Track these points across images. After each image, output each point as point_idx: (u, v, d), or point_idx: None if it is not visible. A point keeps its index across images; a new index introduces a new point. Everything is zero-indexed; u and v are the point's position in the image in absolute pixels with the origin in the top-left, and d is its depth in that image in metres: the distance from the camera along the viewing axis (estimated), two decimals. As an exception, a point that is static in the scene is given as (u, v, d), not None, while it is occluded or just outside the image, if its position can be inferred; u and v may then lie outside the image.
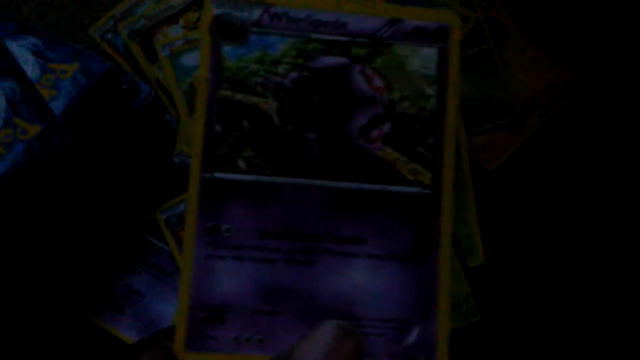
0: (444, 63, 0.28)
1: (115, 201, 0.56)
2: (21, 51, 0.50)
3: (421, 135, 0.28)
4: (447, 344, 0.29)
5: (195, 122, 0.28)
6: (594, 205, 0.57)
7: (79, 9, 0.66)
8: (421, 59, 0.28)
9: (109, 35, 0.64)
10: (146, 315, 0.54)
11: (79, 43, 0.65)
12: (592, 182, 0.58)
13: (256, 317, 0.27)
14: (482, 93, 0.60)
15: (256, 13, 0.27)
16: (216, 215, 0.27)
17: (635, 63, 0.61)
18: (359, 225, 0.28)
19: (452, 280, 0.25)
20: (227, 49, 0.27)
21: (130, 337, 0.54)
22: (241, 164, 0.27)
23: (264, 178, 0.27)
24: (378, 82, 0.28)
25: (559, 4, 0.63)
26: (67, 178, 0.50)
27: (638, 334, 0.54)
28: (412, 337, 0.28)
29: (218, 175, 0.27)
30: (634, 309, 0.54)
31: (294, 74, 0.28)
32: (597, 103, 0.60)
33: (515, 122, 0.59)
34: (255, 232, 0.27)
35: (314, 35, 0.28)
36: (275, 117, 0.28)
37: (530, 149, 0.59)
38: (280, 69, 0.28)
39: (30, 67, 0.50)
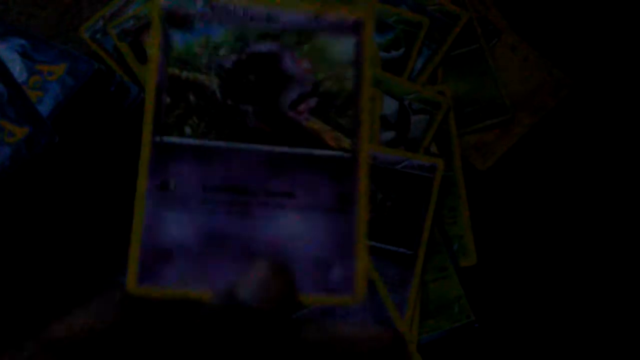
0: (360, 50, 0.33)
1: (105, 202, 0.55)
2: (8, 53, 0.50)
3: (342, 109, 0.33)
4: (365, 278, 0.32)
5: (147, 95, 0.31)
6: (587, 205, 0.57)
7: (68, 9, 0.66)
8: (341, 46, 0.33)
9: (98, 36, 0.63)
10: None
11: (69, 43, 0.64)
12: (585, 181, 0.58)
13: (200, 258, 0.30)
14: (473, 92, 0.60)
15: (200, 5, 0.32)
16: (165, 173, 0.31)
17: (627, 61, 0.60)
18: (290, 182, 0.32)
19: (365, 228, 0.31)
20: (174, 33, 0.32)
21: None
22: (187, 130, 0.32)
23: (207, 142, 0.32)
24: (305, 65, 0.33)
25: (551, 3, 0.62)
26: (56, 179, 0.49)
27: (630, 330, 0.54)
28: (335, 272, 0.32)
29: (166, 139, 0.31)
30: (626, 307, 0.54)
31: (233, 56, 0.33)
32: (589, 102, 0.60)
33: (506, 121, 0.59)
34: (200, 187, 0.31)
35: (251, 25, 0.33)
36: (217, 92, 0.32)
37: (522, 148, 0.59)
38: (221, 52, 0.33)
39: (18, 69, 0.49)
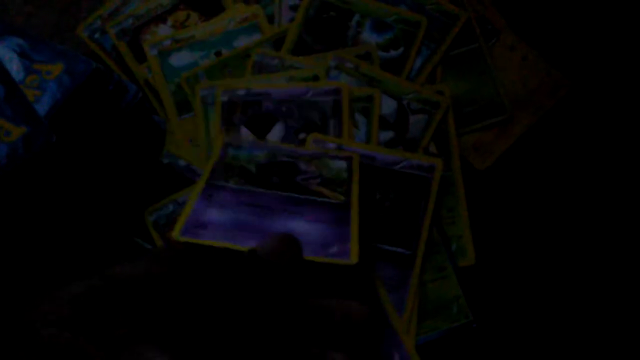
0: (350, 169, 0.52)
1: (103, 203, 0.55)
2: (6, 52, 0.50)
3: (339, 186, 0.50)
4: (357, 259, 0.43)
5: (212, 155, 0.52)
6: (586, 204, 0.57)
7: (66, 8, 0.66)
8: (338, 165, 0.52)
9: (96, 35, 0.63)
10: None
11: (67, 43, 0.64)
12: (584, 180, 0.58)
13: (228, 232, 0.43)
14: (472, 92, 0.59)
15: (247, 142, 0.53)
16: (212, 195, 0.47)
17: (626, 62, 0.60)
18: (300, 210, 0.47)
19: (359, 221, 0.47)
20: (230, 149, 0.52)
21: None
22: (231, 182, 0.49)
23: (244, 186, 0.49)
24: (313, 167, 0.52)
25: (549, 3, 0.62)
26: (53, 179, 0.49)
27: (630, 330, 0.54)
28: (332, 249, 0.44)
29: (217, 181, 0.49)
30: (625, 306, 0.54)
31: (266, 159, 0.52)
32: (587, 101, 0.60)
33: (505, 121, 0.59)
34: (234, 202, 0.46)
35: (277, 151, 0.52)
36: (253, 170, 0.51)
37: (521, 148, 0.59)
38: (259, 157, 0.52)
39: (15, 68, 0.49)
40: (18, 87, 0.48)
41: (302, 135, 0.56)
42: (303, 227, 0.45)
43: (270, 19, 0.62)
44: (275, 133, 0.57)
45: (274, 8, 0.62)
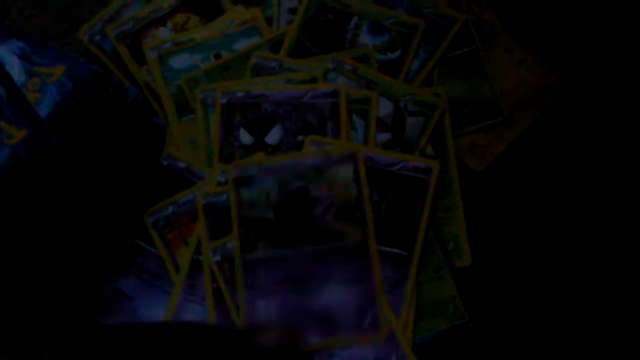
0: (356, 171, 0.53)
1: (104, 204, 0.56)
2: (7, 55, 0.50)
3: (352, 212, 0.53)
4: (387, 319, 0.50)
5: (233, 233, 0.53)
6: (582, 205, 0.57)
7: (67, 11, 0.66)
8: (344, 172, 0.53)
9: (97, 38, 0.64)
10: (135, 318, 0.55)
11: (68, 45, 0.65)
12: (580, 181, 0.58)
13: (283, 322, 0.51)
14: (468, 94, 0.60)
15: (255, 169, 0.54)
16: (251, 277, 0.52)
17: (622, 65, 0.61)
18: (328, 267, 0.52)
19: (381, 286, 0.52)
20: (242, 189, 0.54)
21: (118, 340, 0.54)
22: (260, 248, 0.52)
23: (273, 252, 0.52)
24: (324, 189, 0.53)
25: (546, 6, 0.63)
26: (54, 181, 0.50)
27: (625, 329, 0.54)
28: (367, 319, 0.50)
29: (249, 256, 0.52)
30: (620, 304, 0.55)
31: (279, 195, 0.54)
32: (583, 103, 0.60)
33: (501, 123, 0.59)
34: (273, 282, 0.51)
35: (286, 173, 0.54)
36: (273, 219, 0.53)
37: (517, 150, 0.59)
38: (272, 194, 0.54)
39: (17, 71, 0.50)
40: (19, 89, 0.48)
41: (300, 137, 0.57)
42: (336, 296, 0.51)
43: (269, 21, 0.63)
44: (274, 135, 0.57)
45: (272, 11, 0.63)
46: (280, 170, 0.54)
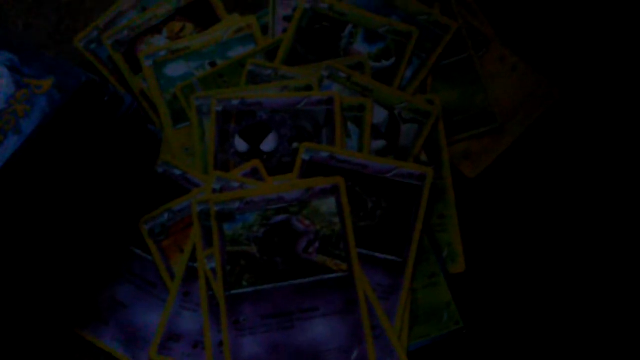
0: (339, 204, 0.54)
1: (99, 211, 0.56)
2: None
3: (336, 245, 0.53)
4: (375, 358, 0.50)
5: (216, 266, 0.53)
6: (577, 211, 0.58)
7: (63, 19, 0.67)
8: (327, 205, 0.54)
9: (93, 46, 0.64)
10: (130, 326, 0.55)
11: (64, 53, 0.65)
12: (574, 187, 0.58)
13: None
14: (462, 101, 0.60)
15: (237, 204, 0.54)
16: (236, 313, 0.52)
17: (614, 71, 0.61)
18: (313, 300, 0.52)
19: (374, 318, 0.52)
20: (225, 225, 0.54)
21: (114, 348, 0.54)
22: (244, 283, 0.53)
23: (257, 287, 0.52)
24: (307, 222, 0.54)
25: (539, 13, 0.63)
26: (48, 188, 0.50)
27: (621, 333, 0.54)
28: (354, 355, 0.51)
29: (233, 292, 0.52)
30: (615, 310, 0.55)
31: (262, 230, 0.53)
32: (576, 110, 0.60)
33: (495, 129, 0.60)
34: (259, 317, 0.51)
35: (268, 207, 0.54)
36: (257, 254, 0.53)
37: (511, 156, 0.59)
38: (254, 228, 0.54)
39: (5, 83, 0.50)
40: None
41: (295, 145, 0.57)
42: (322, 331, 0.51)
43: (265, 29, 0.63)
44: (269, 142, 0.58)
45: (268, 19, 0.63)
46: (262, 205, 0.54)
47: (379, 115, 0.58)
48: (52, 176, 0.50)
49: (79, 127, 0.51)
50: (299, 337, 0.51)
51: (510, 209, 0.58)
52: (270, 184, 0.55)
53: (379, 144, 0.58)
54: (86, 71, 0.51)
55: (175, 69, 0.62)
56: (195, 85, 0.61)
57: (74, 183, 0.52)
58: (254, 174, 0.56)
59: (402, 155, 0.57)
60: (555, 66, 0.61)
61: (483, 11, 0.63)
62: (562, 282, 0.56)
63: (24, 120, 0.48)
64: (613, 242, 0.57)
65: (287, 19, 0.63)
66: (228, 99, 0.59)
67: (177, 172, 0.58)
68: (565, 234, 0.57)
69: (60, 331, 0.55)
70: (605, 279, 0.56)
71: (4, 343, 0.55)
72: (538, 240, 0.57)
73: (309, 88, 0.59)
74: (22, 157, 0.47)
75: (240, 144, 0.58)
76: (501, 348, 0.54)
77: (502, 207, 0.58)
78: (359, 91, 0.59)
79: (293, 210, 0.54)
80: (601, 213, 0.57)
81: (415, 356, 0.53)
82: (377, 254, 0.54)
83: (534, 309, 0.55)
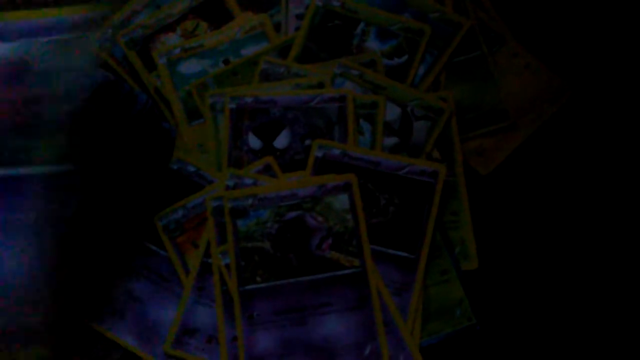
0: (352, 201, 0.53)
1: (114, 208, 0.56)
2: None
3: (349, 241, 0.53)
4: (388, 354, 0.50)
5: (230, 262, 0.53)
6: (589, 209, 0.58)
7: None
8: (340, 201, 0.54)
9: (108, 44, 0.64)
10: (145, 321, 0.55)
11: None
12: (586, 184, 0.58)
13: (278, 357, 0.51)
14: (475, 98, 0.60)
15: (250, 200, 0.54)
16: (250, 308, 0.52)
17: (627, 69, 0.61)
18: (326, 296, 0.52)
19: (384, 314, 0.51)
20: (239, 221, 0.54)
21: (129, 342, 0.55)
22: (258, 279, 0.53)
23: (271, 283, 0.52)
24: (320, 219, 0.54)
25: (552, 11, 0.63)
26: (65, 187, 0.50)
27: (630, 332, 0.54)
28: (367, 350, 0.51)
29: (246, 287, 0.53)
30: (626, 308, 0.55)
31: (275, 226, 0.54)
32: (589, 108, 0.60)
33: (508, 127, 0.60)
34: (272, 313, 0.52)
35: (281, 203, 0.54)
36: (270, 250, 0.53)
37: (524, 153, 0.59)
38: (268, 224, 0.54)
39: None
40: None
41: (307, 142, 0.58)
42: (335, 327, 0.51)
43: (277, 27, 0.63)
44: (282, 139, 0.58)
45: (280, 17, 0.64)
46: (276, 201, 0.54)
47: (392, 112, 0.59)
48: (70, 171, 0.50)
49: (95, 125, 0.51)
50: (312, 332, 0.51)
51: (523, 205, 0.58)
52: (283, 180, 0.55)
53: (392, 141, 0.58)
54: (101, 70, 0.51)
55: (189, 67, 0.62)
56: (209, 83, 0.61)
57: (90, 180, 0.53)
58: (267, 170, 0.57)
59: (414, 152, 0.58)
60: (568, 64, 0.61)
61: (496, 8, 0.63)
62: (575, 279, 0.56)
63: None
64: (628, 240, 0.57)
65: (300, 16, 0.63)
66: (242, 97, 0.59)
67: (191, 168, 0.59)
68: (578, 231, 0.57)
69: (77, 326, 0.56)
70: (621, 277, 0.56)
71: (23, 336, 0.56)
72: (551, 237, 0.57)
73: (321, 86, 0.59)
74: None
75: (254, 141, 0.58)
76: (514, 345, 0.54)
77: (514, 204, 0.58)
78: (371, 88, 0.59)
79: (306, 206, 0.54)
80: (614, 210, 0.57)
81: (428, 352, 0.53)
82: (389, 251, 0.54)
83: (547, 306, 0.55)
